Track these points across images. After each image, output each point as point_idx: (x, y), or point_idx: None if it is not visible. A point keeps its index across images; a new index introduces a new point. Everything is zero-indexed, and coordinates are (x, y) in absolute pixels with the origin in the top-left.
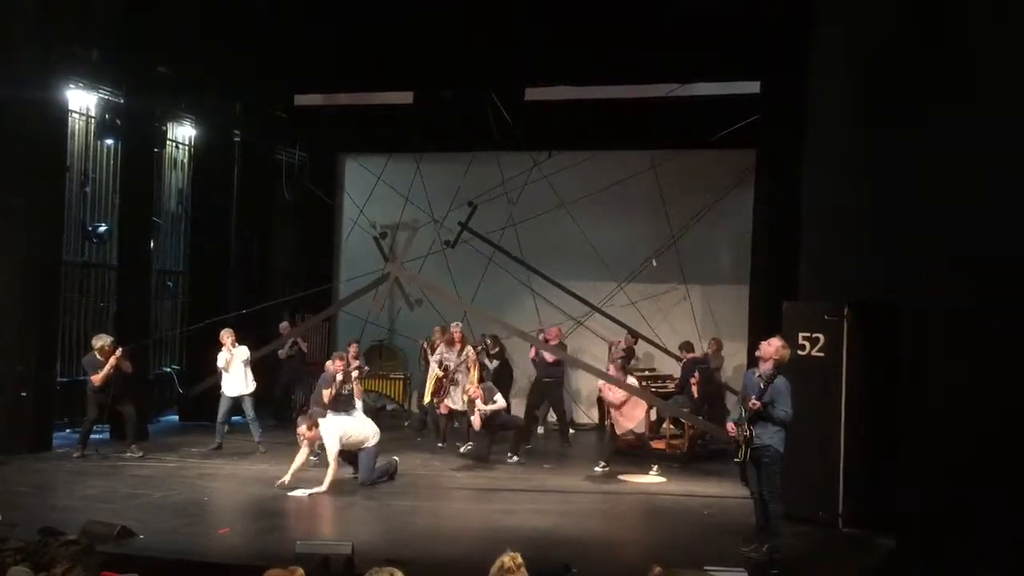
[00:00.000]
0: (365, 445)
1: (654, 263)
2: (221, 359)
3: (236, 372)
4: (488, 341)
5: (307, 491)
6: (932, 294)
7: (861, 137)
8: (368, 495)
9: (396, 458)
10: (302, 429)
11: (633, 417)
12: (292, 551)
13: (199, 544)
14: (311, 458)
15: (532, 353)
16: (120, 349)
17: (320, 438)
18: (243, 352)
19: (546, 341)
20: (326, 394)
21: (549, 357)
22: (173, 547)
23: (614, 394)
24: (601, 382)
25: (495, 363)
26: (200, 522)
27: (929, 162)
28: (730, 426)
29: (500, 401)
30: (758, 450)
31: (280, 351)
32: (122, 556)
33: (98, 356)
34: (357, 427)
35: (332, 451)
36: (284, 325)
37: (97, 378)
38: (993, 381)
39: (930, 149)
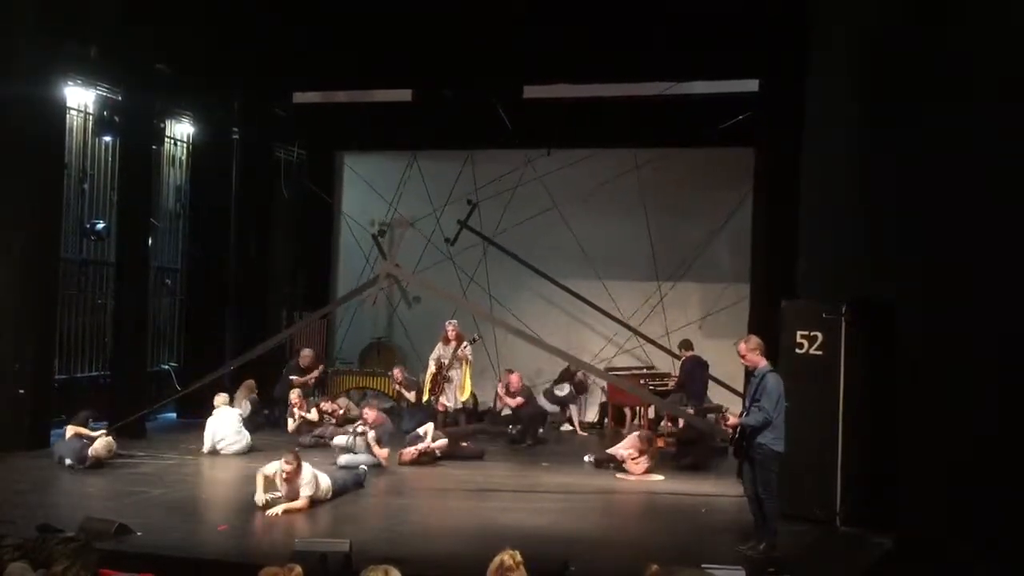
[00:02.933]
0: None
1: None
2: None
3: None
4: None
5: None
6: (930, 293)
7: (860, 136)
8: (366, 493)
9: (364, 467)
10: (286, 465)
11: (641, 466)
12: (290, 549)
13: (197, 541)
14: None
15: (502, 399)
16: (105, 439)
17: (298, 481)
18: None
19: (508, 389)
20: None
21: (512, 402)
22: (171, 544)
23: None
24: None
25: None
26: (198, 519)
27: (928, 161)
28: (732, 420)
29: (440, 441)
30: (752, 448)
31: (290, 424)
32: (120, 553)
33: (71, 432)
34: (327, 482)
35: (304, 499)
36: (296, 396)
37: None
38: (991, 380)
39: (929, 148)
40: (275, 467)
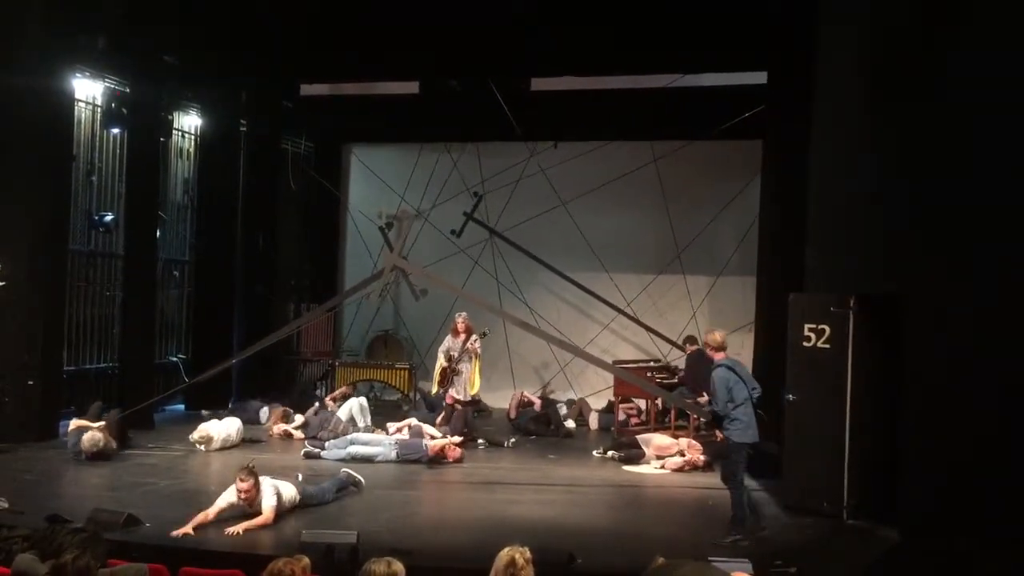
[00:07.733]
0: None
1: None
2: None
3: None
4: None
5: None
6: (937, 286)
7: (868, 130)
8: (374, 485)
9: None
10: (241, 483)
11: (675, 465)
12: (297, 540)
13: (205, 533)
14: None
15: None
16: (89, 433)
17: (259, 499)
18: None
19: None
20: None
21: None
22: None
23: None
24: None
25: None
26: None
27: (934, 156)
28: (704, 398)
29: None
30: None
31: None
32: (129, 544)
33: (74, 425)
34: (291, 492)
35: (269, 511)
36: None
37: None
38: (997, 374)
39: (935, 144)
40: (231, 493)
